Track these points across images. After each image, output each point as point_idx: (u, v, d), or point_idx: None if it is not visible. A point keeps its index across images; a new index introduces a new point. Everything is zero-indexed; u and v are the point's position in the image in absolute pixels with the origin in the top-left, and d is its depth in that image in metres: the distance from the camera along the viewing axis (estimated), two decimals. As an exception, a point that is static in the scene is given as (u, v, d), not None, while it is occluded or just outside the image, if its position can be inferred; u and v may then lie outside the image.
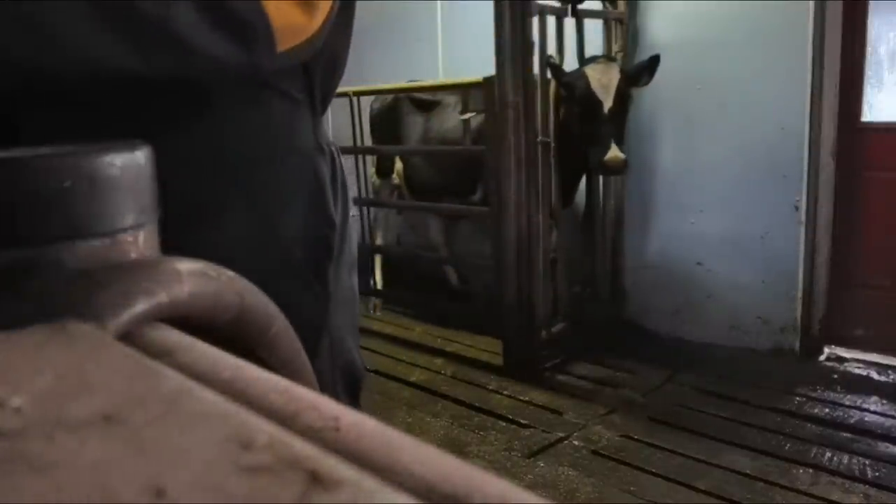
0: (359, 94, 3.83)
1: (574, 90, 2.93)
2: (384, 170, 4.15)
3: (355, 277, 0.84)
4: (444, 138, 3.65)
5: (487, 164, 3.19)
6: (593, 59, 3.03)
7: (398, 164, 4.08)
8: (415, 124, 3.82)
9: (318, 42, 0.68)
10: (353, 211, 4.36)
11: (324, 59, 0.77)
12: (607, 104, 2.86)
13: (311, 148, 0.77)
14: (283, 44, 0.64)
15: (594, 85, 2.87)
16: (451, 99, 3.67)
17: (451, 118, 3.63)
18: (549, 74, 3.03)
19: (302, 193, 0.74)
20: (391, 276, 4.40)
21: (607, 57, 3.08)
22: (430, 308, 4.01)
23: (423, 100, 3.79)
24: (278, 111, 0.73)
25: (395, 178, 4.12)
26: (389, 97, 3.94)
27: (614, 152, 2.80)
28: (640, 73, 2.98)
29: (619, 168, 2.85)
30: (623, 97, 2.90)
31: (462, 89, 3.43)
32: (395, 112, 3.91)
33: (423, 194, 3.91)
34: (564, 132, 3.08)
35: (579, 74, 2.94)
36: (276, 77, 0.72)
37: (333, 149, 0.82)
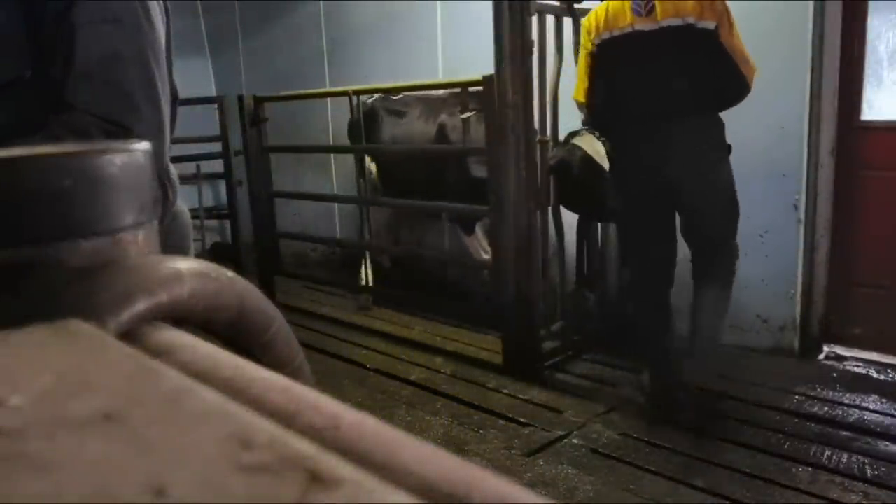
0: (359, 93, 3.83)
1: (571, 163, 2.95)
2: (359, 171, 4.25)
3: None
4: (411, 143, 3.95)
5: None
6: (572, 134, 3.06)
7: (372, 165, 4.24)
8: (388, 132, 4.07)
9: None
10: (353, 209, 4.38)
11: None
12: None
13: None
14: None
15: (590, 151, 2.93)
16: (417, 109, 3.96)
17: (416, 126, 3.95)
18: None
19: None
20: (392, 276, 4.41)
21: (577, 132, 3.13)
22: (429, 306, 4.01)
23: (395, 109, 4.06)
24: None
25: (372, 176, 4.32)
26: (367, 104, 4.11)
27: None
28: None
29: None
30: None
31: (431, 99, 3.80)
32: (370, 117, 4.04)
33: (398, 193, 4.10)
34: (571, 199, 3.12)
35: (570, 148, 2.99)
36: None
37: None
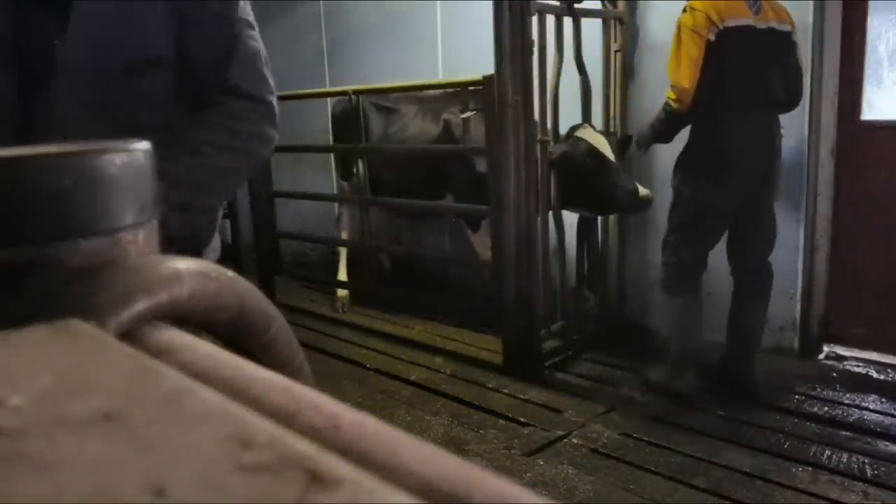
0: (358, 93, 3.83)
1: (574, 155, 3.04)
2: (347, 173, 4.21)
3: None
4: (404, 142, 3.86)
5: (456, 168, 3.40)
6: (574, 128, 3.15)
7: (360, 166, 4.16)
8: (376, 128, 3.97)
9: None
10: (353, 209, 4.38)
11: None
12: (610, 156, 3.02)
13: None
14: None
15: (594, 143, 3.03)
16: (412, 108, 3.89)
17: (412, 126, 3.85)
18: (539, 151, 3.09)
19: None
20: (395, 275, 4.40)
21: (579, 126, 3.18)
22: (428, 307, 4.01)
23: (384, 106, 3.99)
24: None
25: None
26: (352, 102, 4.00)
27: (644, 190, 3.00)
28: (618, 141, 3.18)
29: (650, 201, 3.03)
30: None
31: (424, 97, 3.80)
32: (357, 115, 3.92)
33: (388, 195, 4.03)
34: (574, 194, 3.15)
35: (573, 141, 3.08)
36: None
37: None
